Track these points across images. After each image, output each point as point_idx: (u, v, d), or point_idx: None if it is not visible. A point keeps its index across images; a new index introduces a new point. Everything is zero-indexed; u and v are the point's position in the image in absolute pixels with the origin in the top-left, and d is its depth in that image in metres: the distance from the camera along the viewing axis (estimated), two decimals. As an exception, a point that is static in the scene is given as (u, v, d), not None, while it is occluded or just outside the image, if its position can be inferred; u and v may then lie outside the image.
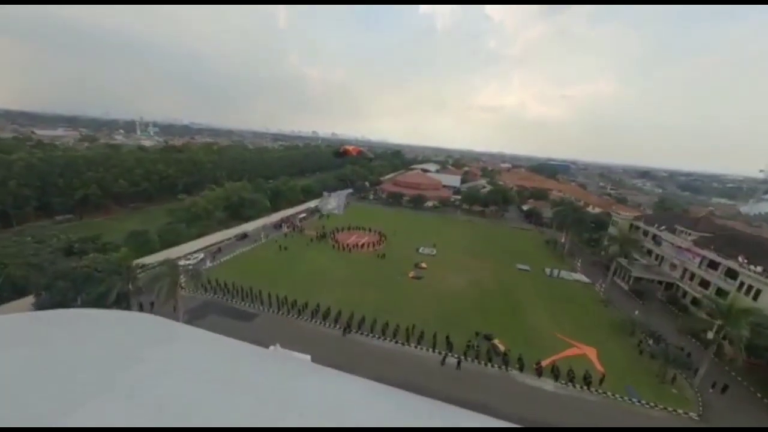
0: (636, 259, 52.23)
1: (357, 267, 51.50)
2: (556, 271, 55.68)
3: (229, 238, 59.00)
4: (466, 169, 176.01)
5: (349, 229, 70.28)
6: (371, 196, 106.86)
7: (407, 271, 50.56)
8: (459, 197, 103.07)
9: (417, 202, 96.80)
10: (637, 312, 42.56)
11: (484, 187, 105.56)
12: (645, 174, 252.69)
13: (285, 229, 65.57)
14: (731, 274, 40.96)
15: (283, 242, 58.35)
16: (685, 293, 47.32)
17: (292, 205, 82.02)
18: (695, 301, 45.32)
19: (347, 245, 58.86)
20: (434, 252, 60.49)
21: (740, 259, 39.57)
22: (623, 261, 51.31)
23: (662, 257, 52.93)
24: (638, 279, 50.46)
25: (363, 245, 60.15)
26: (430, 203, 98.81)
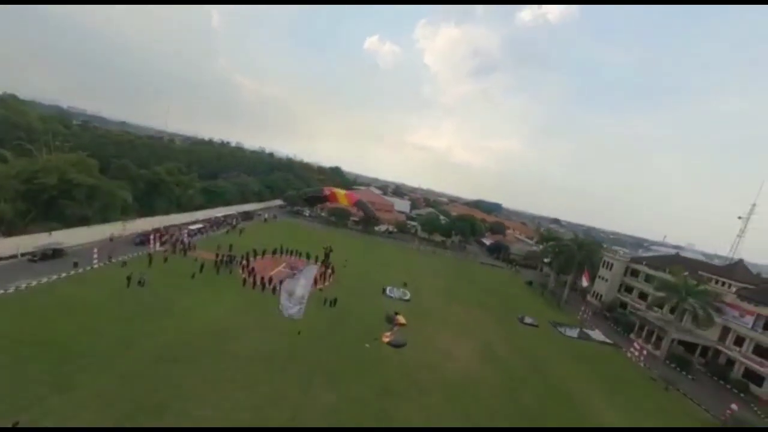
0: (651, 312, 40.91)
1: (289, 326, 27.88)
2: (571, 329, 40.79)
3: (14, 257, 28.76)
4: (407, 197, 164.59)
5: (274, 253, 45.52)
6: (307, 212, 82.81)
7: (378, 332, 28.93)
8: (414, 223, 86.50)
9: (367, 224, 76.50)
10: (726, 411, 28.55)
11: (437, 215, 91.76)
12: (555, 221, 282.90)
13: (157, 247, 37.40)
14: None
15: (141, 270, 30.45)
16: (730, 361, 36.34)
17: (184, 210, 52.90)
18: (749, 374, 34.34)
19: (270, 280, 34.47)
20: (407, 295, 40.26)
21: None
22: (655, 316, 39.09)
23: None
24: (677, 342, 38.31)
25: (299, 281, 36.35)
26: (383, 227, 79.55)
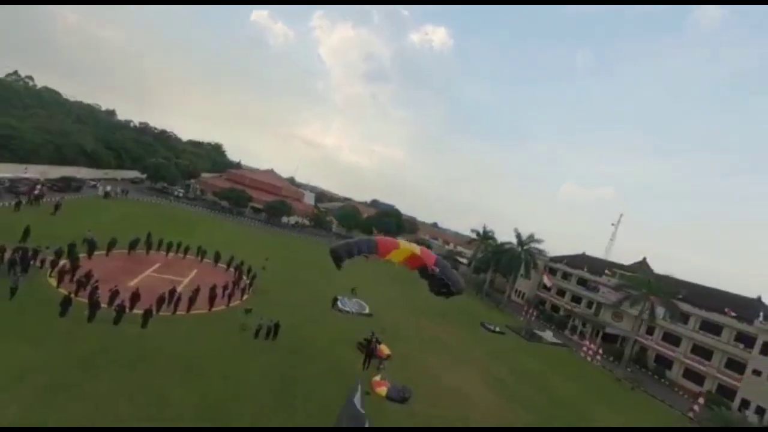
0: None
1: (174, 395, 12.56)
2: (528, 332, 38.05)
3: None
4: (309, 191, 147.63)
5: (132, 248, 25.97)
6: (179, 192, 58.53)
7: (358, 375, 16.70)
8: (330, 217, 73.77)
9: (274, 214, 59.36)
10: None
11: (356, 209, 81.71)
12: (434, 225, 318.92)
13: None
14: (711, 328, 36.01)
15: None
16: (643, 349, 40.34)
17: None
18: (659, 359, 38.61)
19: (133, 300, 17.08)
20: (366, 308, 28.87)
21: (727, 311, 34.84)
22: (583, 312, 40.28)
23: (599, 306, 46.14)
24: (609, 336, 40.25)
25: (191, 298, 19.49)
26: (292, 219, 63.65)
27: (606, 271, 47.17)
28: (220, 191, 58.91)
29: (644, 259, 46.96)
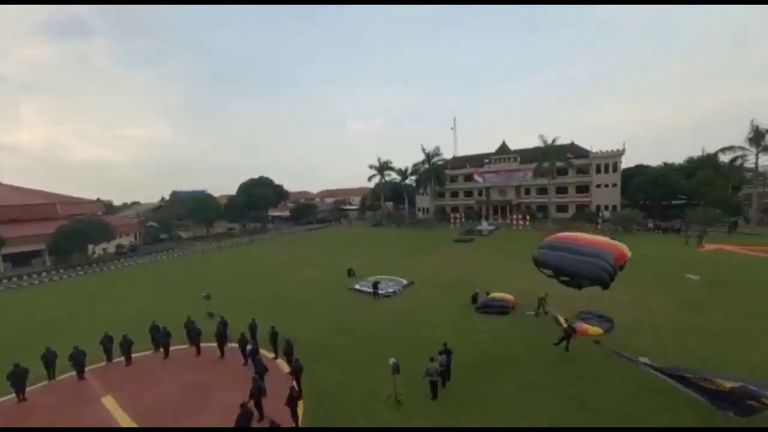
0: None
1: None
2: (470, 231, 40.65)
3: None
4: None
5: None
6: None
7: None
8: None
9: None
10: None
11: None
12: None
13: None
14: (561, 172, 50.12)
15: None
16: (528, 206, 52.50)
17: None
18: (540, 209, 51.77)
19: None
20: (402, 281, 21.18)
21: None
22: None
23: (488, 190, 55.25)
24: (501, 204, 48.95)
25: None
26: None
27: (485, 160, 55.83)
28: None
29: (503, 141, 58.26)
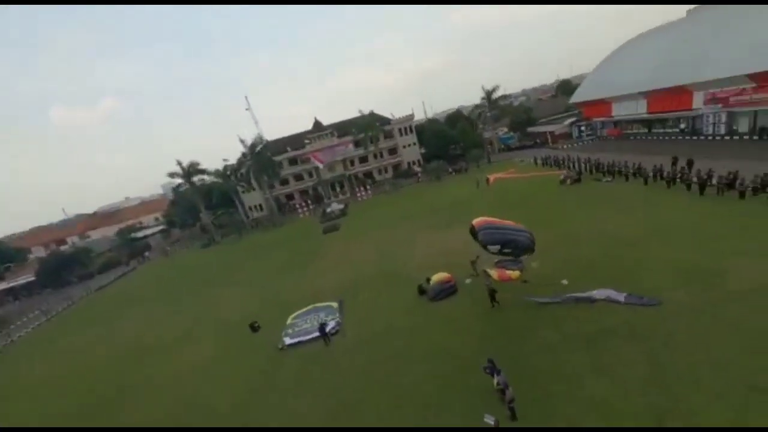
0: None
1: None
2: (324, 217, 40.67)
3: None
4: None
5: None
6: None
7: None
8: None
9: None
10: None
11: None
12: None
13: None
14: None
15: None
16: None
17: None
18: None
19: None
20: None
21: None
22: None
23: (317, 170, 54.90)
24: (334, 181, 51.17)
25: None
26: None
27: (306, 140, 53.85)
28: None
29: (315, 119, 57.02)
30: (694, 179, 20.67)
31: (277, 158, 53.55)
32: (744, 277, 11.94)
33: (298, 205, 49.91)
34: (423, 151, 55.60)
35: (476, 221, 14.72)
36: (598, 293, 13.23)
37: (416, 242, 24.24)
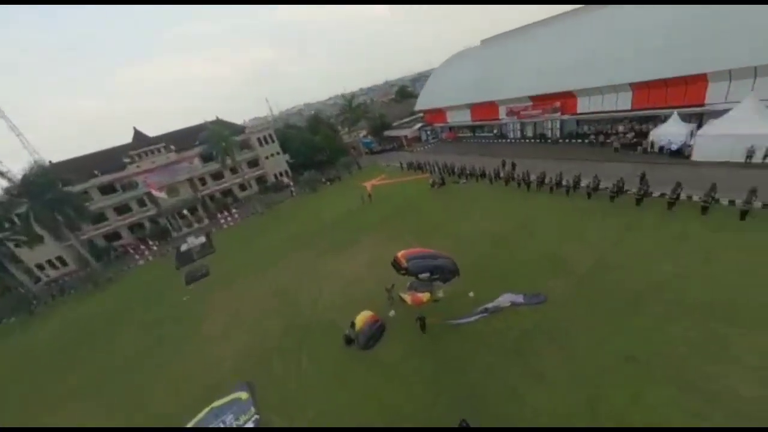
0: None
1: None
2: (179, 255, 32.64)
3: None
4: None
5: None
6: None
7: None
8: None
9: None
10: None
11: None
12: None
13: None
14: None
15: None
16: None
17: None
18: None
19: None
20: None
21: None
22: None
23: (149, 195, 42.49)
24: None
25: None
26: None
27: (125, 159, 40.34)
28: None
29: (135, 129, 42.68)
30: (521, 178, 27.13)
31: (78, 187, 38.18)
32: (580, 260, 16.38)
33: (131, 249, 37.32)
34: (290, 160, 51.67)
35: (400, 254, 14.48)
36: (502, 299, 15.37)
37: (319, 274, 22.11)
